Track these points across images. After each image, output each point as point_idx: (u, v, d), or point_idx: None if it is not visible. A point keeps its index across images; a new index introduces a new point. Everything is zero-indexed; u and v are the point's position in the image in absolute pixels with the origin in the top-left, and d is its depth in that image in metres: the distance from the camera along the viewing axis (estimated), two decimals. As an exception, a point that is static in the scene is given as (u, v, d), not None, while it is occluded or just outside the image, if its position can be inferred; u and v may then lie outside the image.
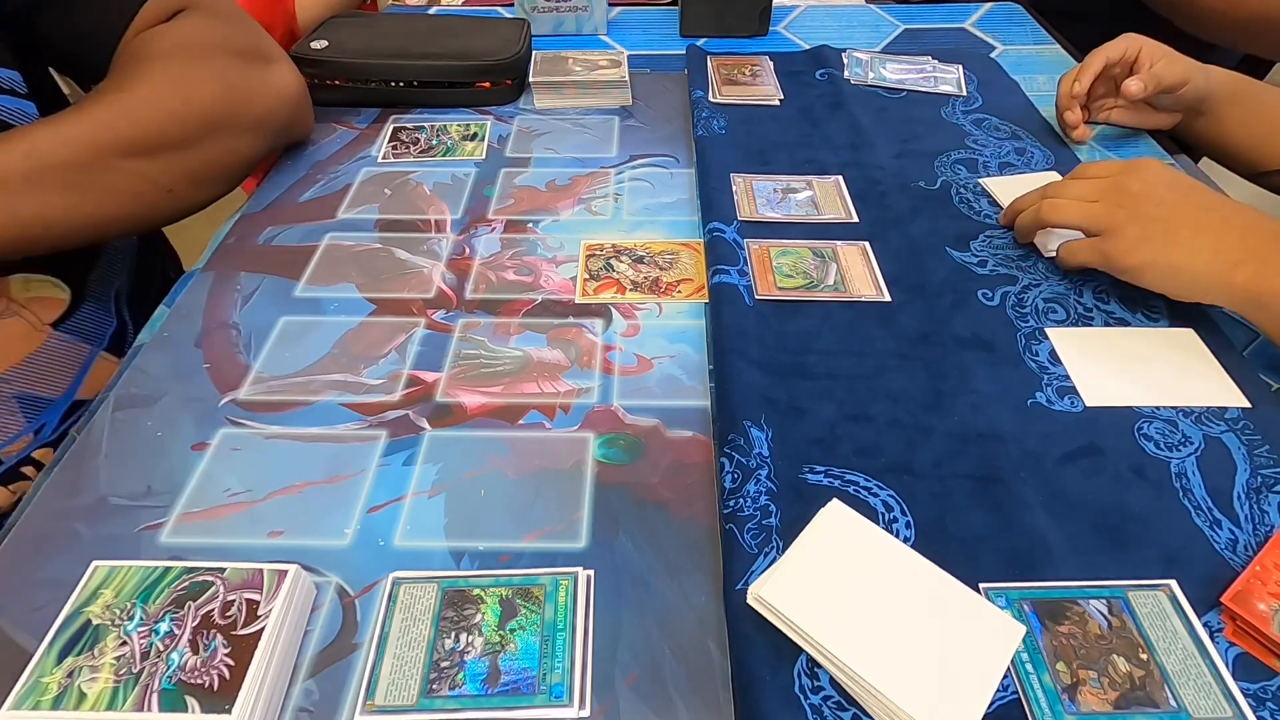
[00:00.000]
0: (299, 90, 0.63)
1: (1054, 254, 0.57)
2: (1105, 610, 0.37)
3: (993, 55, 0.89)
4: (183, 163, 0.56)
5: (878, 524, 0.40)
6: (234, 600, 0.36)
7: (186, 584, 0.36)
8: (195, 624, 0.35)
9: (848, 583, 0.37)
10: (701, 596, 0.39)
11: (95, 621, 0.35)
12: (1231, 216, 0.49)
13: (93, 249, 0.62)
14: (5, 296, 0.55)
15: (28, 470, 0.55)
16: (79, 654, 0.34)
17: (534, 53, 0.83)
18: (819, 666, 0.35)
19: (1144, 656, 0.35)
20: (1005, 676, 0.35)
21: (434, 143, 0.74)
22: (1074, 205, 0.53)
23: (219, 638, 0.35)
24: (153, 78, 0.54)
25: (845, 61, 0.84)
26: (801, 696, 0.34)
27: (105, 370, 0.59)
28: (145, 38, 0.57)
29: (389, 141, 0.74)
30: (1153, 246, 0.49)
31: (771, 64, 0.84)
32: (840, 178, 0.67)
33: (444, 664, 0.36)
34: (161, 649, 0.34)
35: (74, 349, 0.57)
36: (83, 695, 0.33)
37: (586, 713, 0.34)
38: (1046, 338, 0.52)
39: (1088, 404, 0.47)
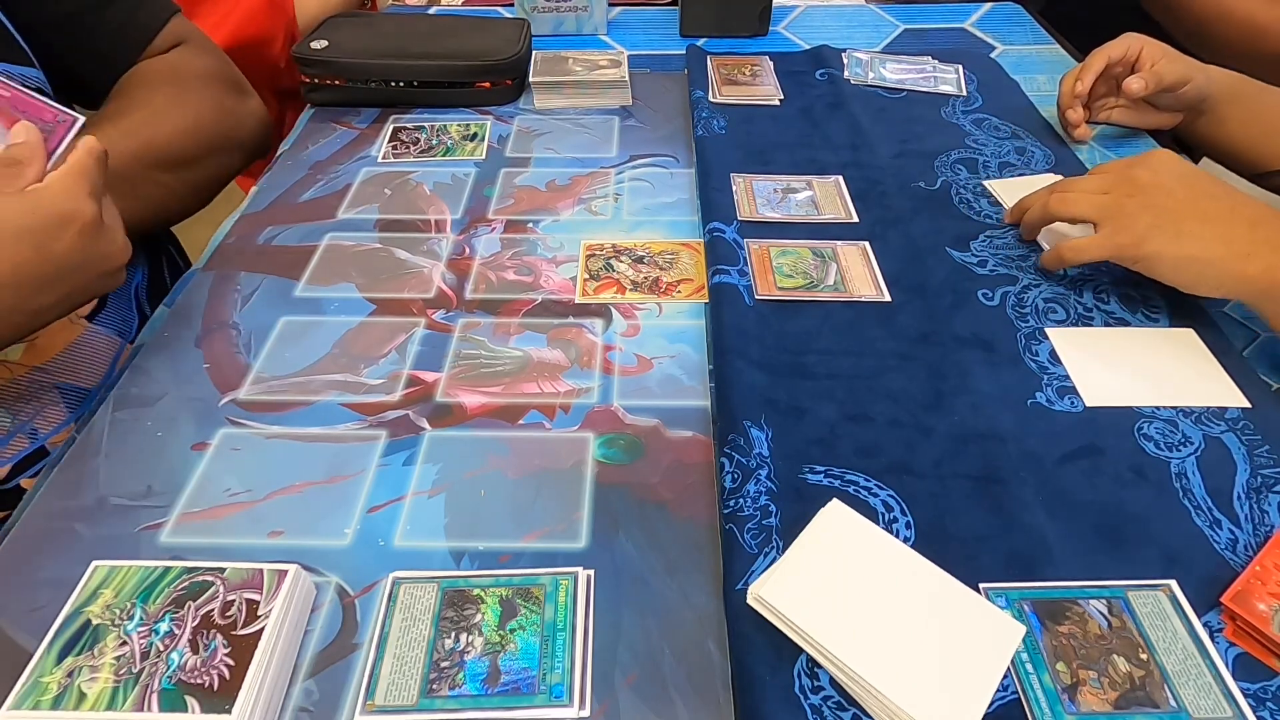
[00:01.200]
0: (269, 117, 0.72)
1: None
2: (1105, 610, 0.37)
3: (993, 55, 0.89)
4: (191, 175, 0.63)
5: (878, 524, 0.40)
6: (234, 600, 0.36)
7: (186, 584, 0.36)
8: (195, 624, 0.35)
9: (848, 583, 0.37)
10: (701, 596, 0.39)
11: (95, 621, 0.35)
12: (1240, 208, 0.49)
13: None
14: None
15: None
16: (79, 654, 0.34)
17: (534, 53, 0.83)
18: (819, 666, 0.35)
19: (1144, 656, 0.35)
20: (1005, 676, 0.35)
21: (434, 143, 0.74)
22: (1083, 197, 0.53)
23: (219, 638, 0.35)
24: (166, 101, 0.61)
25: (845, 61, 0.84)
26: (801, 696, 0.34)
27: None
28: (146, 66, 0.63)
29: (389, 141, 0.74)
30: (1165, 236, 0.49)
31: (771, 64, 0.84)
32: (840, 178, 0.67)
33: (444, 664, 0.36)
34: (161, 649, 0.34)
35: (108, 341, 0.59)
36: (83, 695, 0.33)
37: (586, 713, 0.34)
38: (1046, 338, 0.52)
39: (1088, 404, 0.47)
